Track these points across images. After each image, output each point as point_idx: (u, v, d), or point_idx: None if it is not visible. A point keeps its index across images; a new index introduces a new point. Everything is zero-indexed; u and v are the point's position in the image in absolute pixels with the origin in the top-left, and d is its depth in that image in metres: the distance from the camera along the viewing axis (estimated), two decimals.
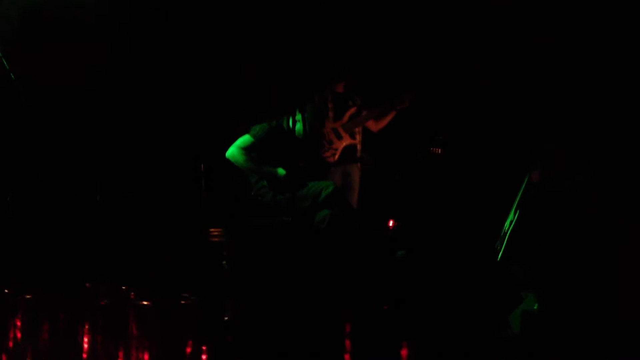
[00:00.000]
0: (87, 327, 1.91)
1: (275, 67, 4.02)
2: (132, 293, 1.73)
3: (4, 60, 3.01)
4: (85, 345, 1.96)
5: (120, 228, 2.75)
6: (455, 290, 2.92)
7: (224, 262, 1.78)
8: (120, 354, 1.82)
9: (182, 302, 1.63)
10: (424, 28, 4.19)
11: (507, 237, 3.52)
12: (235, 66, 4.03)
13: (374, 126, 4.18)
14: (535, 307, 2.78)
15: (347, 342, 1.56)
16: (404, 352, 1.55)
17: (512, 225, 3.58)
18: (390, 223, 4.13)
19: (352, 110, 4.12)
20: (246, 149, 3.71)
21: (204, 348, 1.83)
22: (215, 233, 1.77)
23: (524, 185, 3.63)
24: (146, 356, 1.78)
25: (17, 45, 3.40)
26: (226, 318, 1.81)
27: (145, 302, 1.63)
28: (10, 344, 1.83)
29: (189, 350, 1.77)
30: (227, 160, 3.72)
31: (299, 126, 3.72)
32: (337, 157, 4.07)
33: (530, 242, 3.38)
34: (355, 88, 4.17)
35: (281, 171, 3.69)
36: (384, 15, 4.21)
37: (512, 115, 3.99)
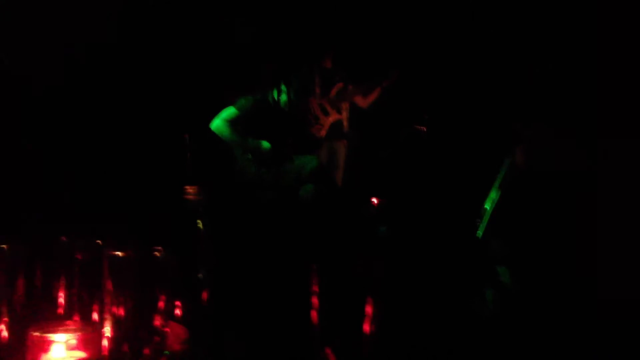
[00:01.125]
0: (63, 280, 1.93)
1: (263, 40, 4.01)
2: (108, 247, 1.75)
3: None
4: (61, 300, 1.98)
5: (99, 184, 2.76)
6: (433, 266, 2.96)
7: (199, 221, 1.80)
8: (95, 307, 1.85)
9: (156, 254, 1.65)
10: (411, 4, 4.19)
11: (488, 215, 3.56)
12: (221, 38, 4.02)
13: (362, 102, 4.19)
14: (507, 281, 2.82)
15: (315, 299, 1.59)
16: (368, 309, 1.59)
17: (493, 204, 3.62)
18: (375, 200, 4.16)
19: (339, 85, 4.13)
20: (231, 122, 3.72)
21: (177, 303, 1.85)
22: (191, 191, 1.79)
23: (506, 165, 3.66)
24: (121, 310, 1.81)
25: None
26: (200, 275, 1.83)
27: (119, 253, 1.66)
28: None
29: (162, 304, 1.80)
30: (212, 133, 3.72)
31: (284, 98, 3.73)
32: (323, 132, 4.09)
33: (510, 219, 3.42)
34: (342, 63, 4.18)
35: (266, 144, 3.70)
36: None
37: (498, 95, 4.01)
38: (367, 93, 4.15)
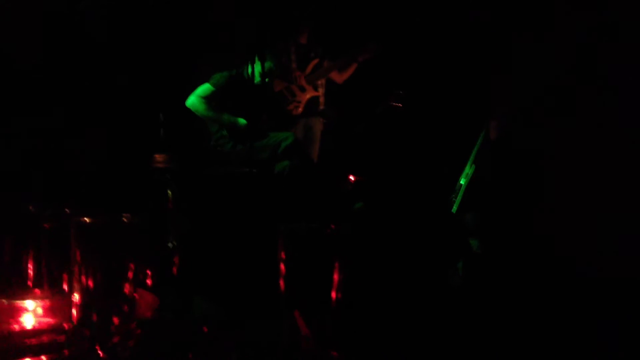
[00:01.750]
0: (31, 252, 1.92)
1: (238, 16, 3.98)
2: (75, 215, 1.74)
3: None
4: (30, 272, 1.97)
5: (68, 155, 2.73)
6: (408, 241, 2.99)
7: (168, 190, 1.80)
8: (64, 276, 1.84)
9: (124, 220, 1.65)
10: None
11: (462, 190, 3.60)
12: (197, 14, 3.97)
13: (337, 77, 4.19)
14: (478, 252, 2.87)
15: (282, 267, 1.60)
16: (335, 276, 1.60)
17: (467, 179, 3.66)
18: (351, 177, 4.18)
19: (315, 62, 4.12)
20: (206, 98, 3.70)
21: (148, 272, 1.85)
22: (160, 159, 1.79)
23: (480, 140, 3.70)
24: (90, 281, 1.80)
25: None
26: (170, 245, 1.84)
27: (86, 219, 1.65)
28: None
29: (131, 274, 1.79)
30: (187, 109, 3.70)
31: (258, 72, 3.71)
32: (300, 109, 4.08)
33: (483, 193, 3.46)
34: (318, 39, 4.16)
35: (242, 121, 3.69)
36: None
37: (473, 70, 4.03)
38: (342, 69, 4.15)
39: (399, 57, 4.17)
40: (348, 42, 4.20)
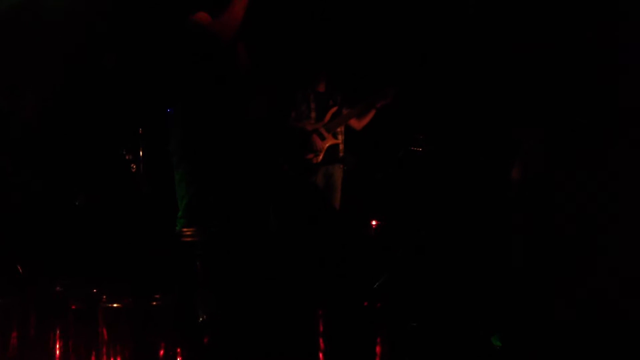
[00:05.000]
0: (58, 332, 1.87)
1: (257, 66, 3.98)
2: (104, 296, 1.69)
3: None
4: (57, 352, 1.91)
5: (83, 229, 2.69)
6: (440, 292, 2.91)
7: (197, 263, 1.75)
8: (92, 358, 1.78)
9: (154, 303, 1.59)
10: (403, 25, 4.18)
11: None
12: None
13: (356, 124, 4.17)
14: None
15: (321, 341, 1.53)
16: (378, 349, 1.53)
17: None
18: (373, 222, 4.12)
19: (334, 109, 4.10)
20: None
21: (178, 350, 1.79)
22: (188, 233, 1.75)
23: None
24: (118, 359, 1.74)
25: None
26: (201, 319, 1.78)
27: (116, 305, 1.60)
28: None
29: (162, 353, 1.73)
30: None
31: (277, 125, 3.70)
32: (320, 158, 4.06)
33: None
34: (336, 87, 4.16)
35: None
36: (363, 12, 4.19)
37: (494, 113, 3.99)
38: (360, 115, 4.13)
39: (418, 101, 4.15)
40: (366, 88, 4.18)
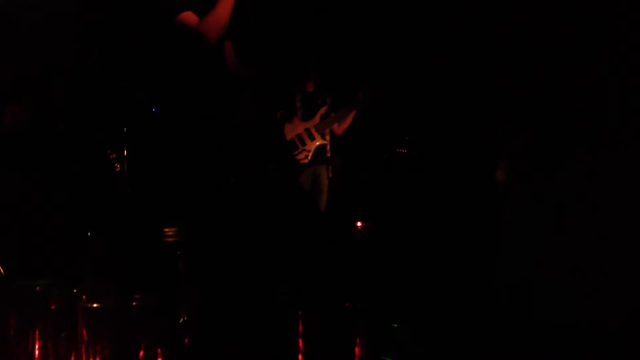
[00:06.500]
0: (37, 332, 1.85)
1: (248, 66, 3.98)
2: (83, 296, 1.68)
3: None
4: (37, 352, 1.90)
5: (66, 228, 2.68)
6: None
7: (179, 263, 1.75)
8: (72, 358, 1.77)
9: (134, 303, 1.58)
10: (391, 26, 4.20)
11: None
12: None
13: (337, 128, 4.20)
14: None
15: (301, 342, 1.54)
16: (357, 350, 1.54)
17: None
18: (359, 224, 4.12)
19: (323, 109, 4.12)
20: None
21: (159, 350, 1.78)
22: (170, 233, 1.74)
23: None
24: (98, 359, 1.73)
25: None
26: (182, 319, 1.77)
27: (95, 305, 1.59)
28: None
29: (142, 353, 1.72)
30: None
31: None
32: (309, 158, 4.07)
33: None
34: (325, 87, 4.17)
35: None
36: (350, 13, 4.21)
37: (480, 114, 4.02)
38: (341, 120, 4.16)
39: (404, 102, 4.17)
40: (355, 89, 4.21)
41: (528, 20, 3.51)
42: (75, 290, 1.72)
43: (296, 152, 4.03)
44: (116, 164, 3.37)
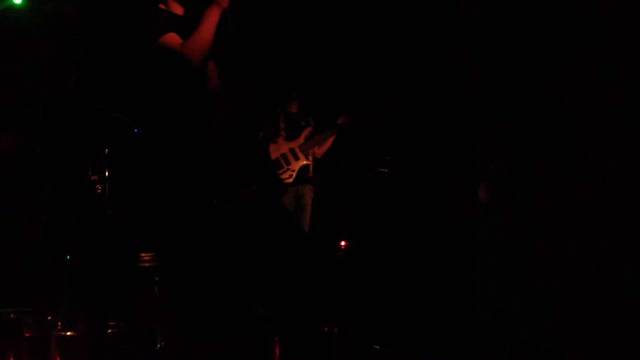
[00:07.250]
0: (11, 357, 1.83)
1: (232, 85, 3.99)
2: (58, 323, 1.66)
3: None
4: None
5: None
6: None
7: (156, 288, 1.74)
8: None
9: (109, 330, 1.57)
10: (373, 47, 4.25)
11: None
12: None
13: (317, 151, 4.23)
14: None
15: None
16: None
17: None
18: (342, 243, 4.13)
19: (308, 130, 4.15)
20: None
21: None
22: (147, 258, 1.73)
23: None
24: None
25: None
26: (159, 346, 1.76)
27: (69, 333, 1.57)
28: None
29: None
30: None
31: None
32: (294, 177, 4.08)
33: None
34: (308, 108, 4.20)
35: None
36: (332, 33, 4.25)
37: (459, 133, 4.06)
38: (321, 143, 4.19)
39: (386, 122, 4.21)
40: (338, 110, 4.24)
41: (503, 41, 3.57)
42: (49, 318, 1.70)
43: (280, 171, 4.04)
44: (97, 186, 3.36)
